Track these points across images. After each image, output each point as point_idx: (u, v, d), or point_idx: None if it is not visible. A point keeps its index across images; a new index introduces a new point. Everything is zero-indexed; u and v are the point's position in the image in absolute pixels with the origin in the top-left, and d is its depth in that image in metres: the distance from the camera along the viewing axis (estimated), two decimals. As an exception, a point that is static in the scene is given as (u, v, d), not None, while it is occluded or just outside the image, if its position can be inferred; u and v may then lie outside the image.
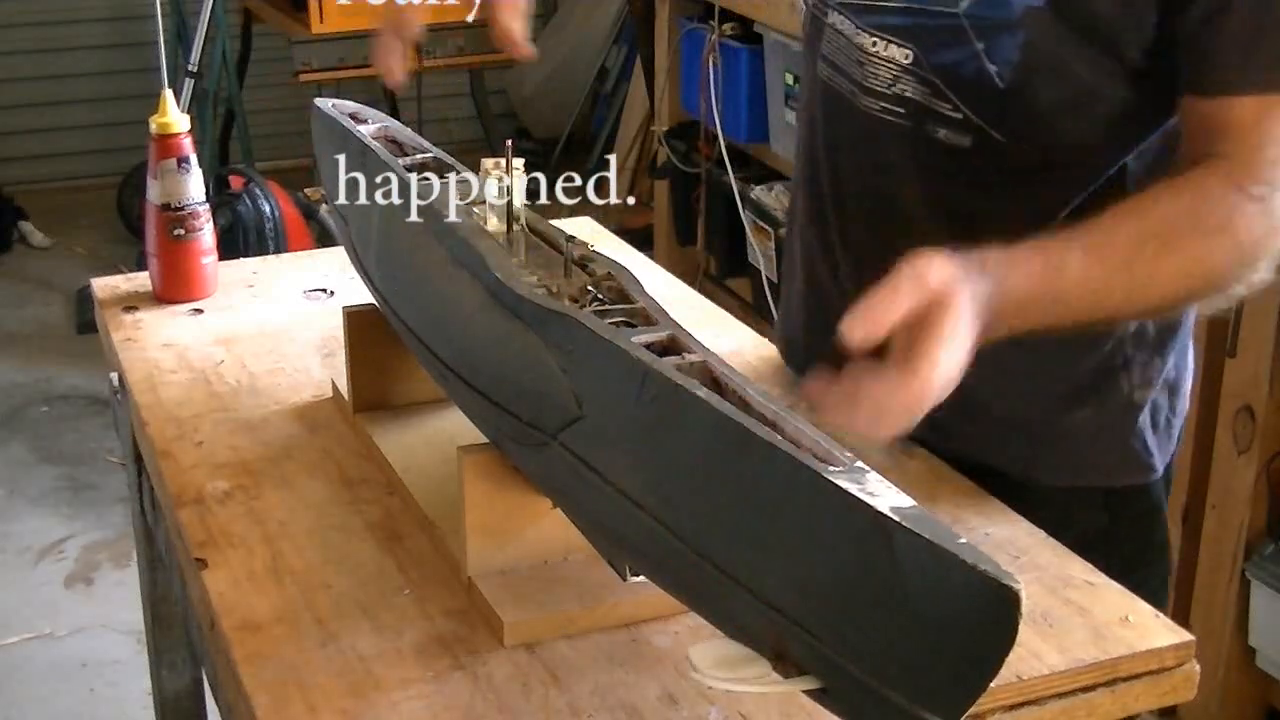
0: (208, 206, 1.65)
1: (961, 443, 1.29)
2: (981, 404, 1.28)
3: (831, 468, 0.77)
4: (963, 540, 0.71)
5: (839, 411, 0.95)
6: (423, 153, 1.38)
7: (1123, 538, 1.31)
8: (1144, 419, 1.30)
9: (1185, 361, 1.34)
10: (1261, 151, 1.10)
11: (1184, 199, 1.09)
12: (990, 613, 0.70)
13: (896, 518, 0.72)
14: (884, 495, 0.74)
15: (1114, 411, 1.29)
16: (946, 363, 0.95)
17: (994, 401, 1.27)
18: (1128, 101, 1.16)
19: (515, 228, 1.15)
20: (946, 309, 0.95)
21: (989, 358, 1.24)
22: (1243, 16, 1.09)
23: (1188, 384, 1.36)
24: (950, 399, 1.28)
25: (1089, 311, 1.08)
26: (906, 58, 1.21)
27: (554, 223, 1.23)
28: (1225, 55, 1.10)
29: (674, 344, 0.95)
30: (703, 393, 0.84)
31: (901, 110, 1.23)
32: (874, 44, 1.23)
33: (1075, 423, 1.29)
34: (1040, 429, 1.30)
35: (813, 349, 1.38)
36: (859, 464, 0.78)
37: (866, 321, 0.93)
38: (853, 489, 0.74)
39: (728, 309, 1.68)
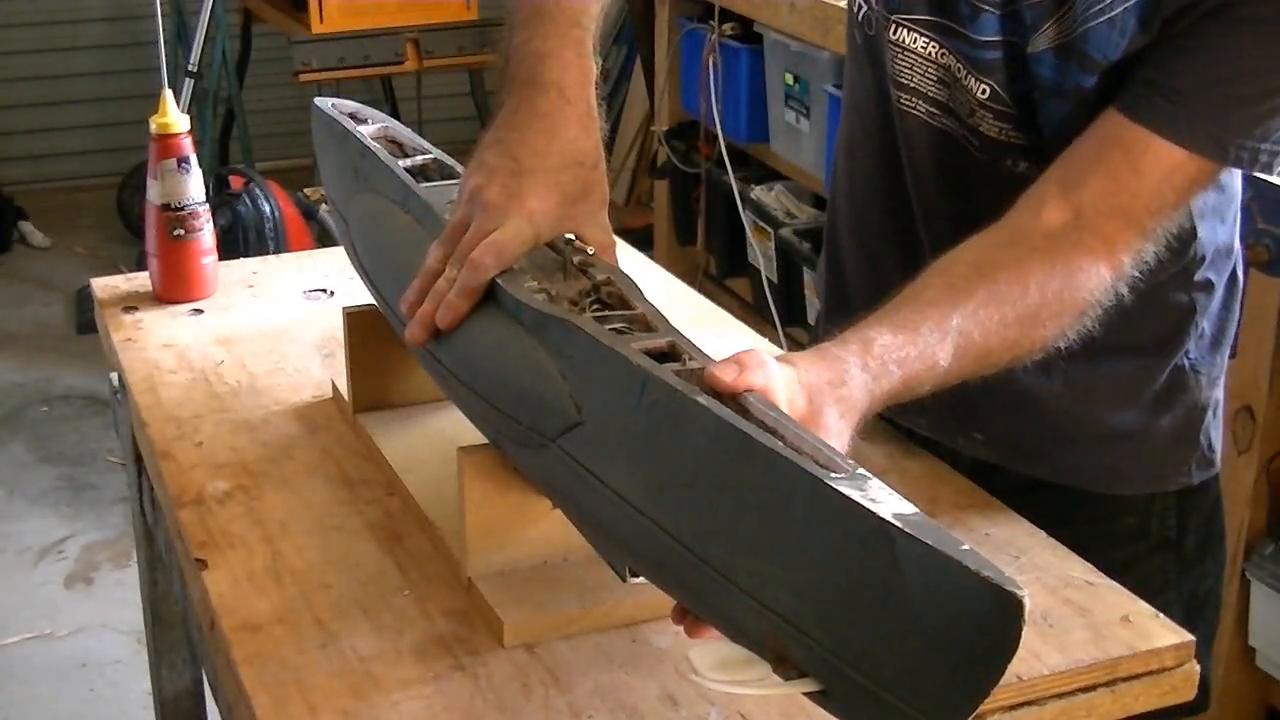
0: (208, 206, 1.65)
1: (1050, 467, 1.31)
2: (1068, 428, 1.30)
3: (833, 474, 0.77)
4: (965, 546, 0.71)
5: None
6: (423, 153, 1.38)
7: (1190, 534, 1.33)
8: (1209, 416, 1.32)
9: (1228, 357, 1.36)
10: (1150, 210, 1.09)
11: (1059, 275, 1.08)
12: (993, 619, 0.70)
13: (899, 524, 0.72)
14: (886, 502, 0.74)
15: (1188, 413, 1.30)
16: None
17: (1081, 422, 1.29)
18: None
19: (515, 229, 1.15)
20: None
21: (1069, 386, 1.27)
22: (1205, 65, 1.08)
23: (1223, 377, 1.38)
24: (1038, 427, 1.30)
25: (933, 388, 1.06)
26: (984, 92, 1.18)
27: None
28: (1188, 102, 1.08)
29: (673, 350, 0.95)
30: (703, 399, 0.84)
31: (977, 143, 1.21)
32: (964, 74, 1.19)
33: (1159, 430, 1.30)
34: (1125, 443, 1.30)
35: None
36: (860, 470, 0.78)
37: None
38: (855, 496, 0.74)
39: (728, 309, 1.68)
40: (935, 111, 1.22)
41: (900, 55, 1.22)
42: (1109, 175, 1.10)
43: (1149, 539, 1.32)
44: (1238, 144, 1.08)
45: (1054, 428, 1.30)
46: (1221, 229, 1.28)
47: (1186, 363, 1.29)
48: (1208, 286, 1.28)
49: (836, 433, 0.93)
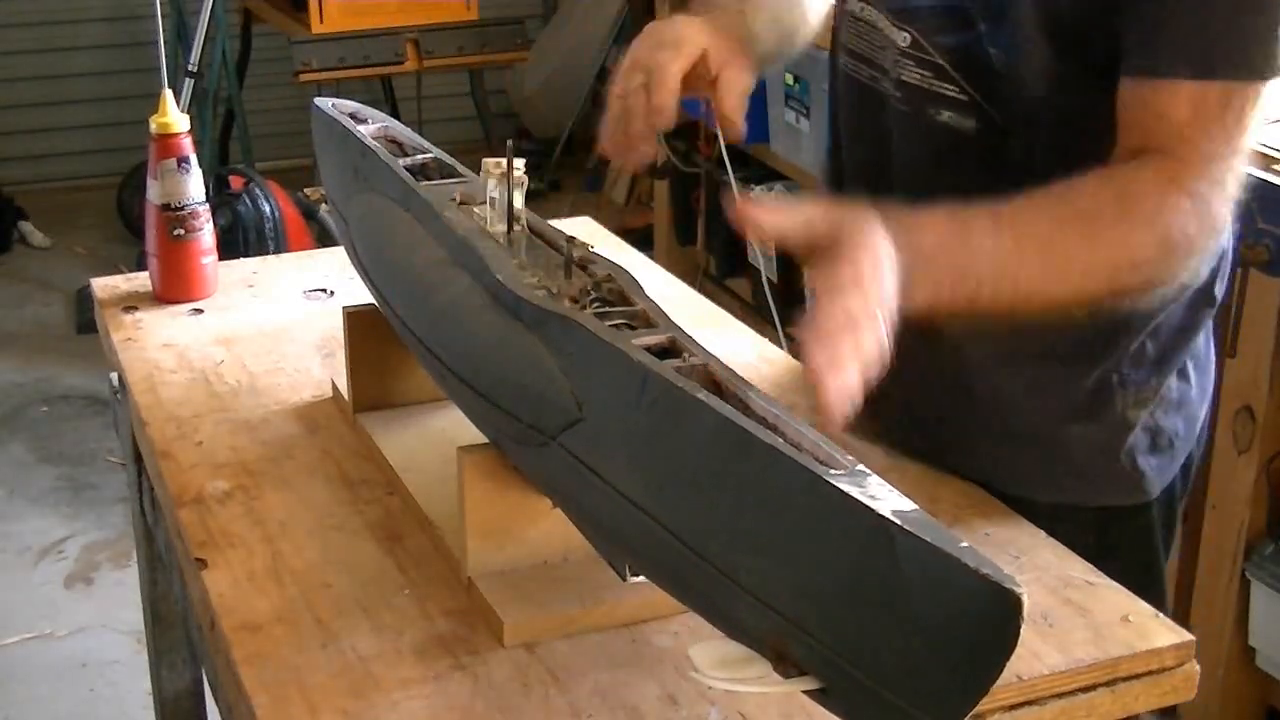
0: (208, 206, 1.65)
1: (959, 459, 1.29)
2: (982, 420, 1.28)
3: (833, 471, 0.77)
4: (965, 544, 0.71)
5: (824, 350, 0.88)
6: (423, 153, 1.38)
7: (1110, 557, 1.27)
8: (1136, 439, 1.27)
9: (1195, 382, 1.31)
10: (1197, 146, 1.07)
11: (1113, 186, 1.07)
12: (992, 617, 0.70)
13: (898, 521, 0.72)
14: (886, 499, 0.74)
15: (1107, 429, 1.27)
16: (880, 281, 0.94)
17: (994, 418, 1.27)
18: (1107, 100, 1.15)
19: (515, 228, 1.16)
20: (860, 239, 0.95)
21: (990, 375, 1.25)
22: (1181, 3, 1.07)
23: (1199, 406, 1.32)
24: (952, 414, 1.28)
25: (1004, 286, 1.04)
26: (905, 40, 1.21)
27: (554, 223, 1.23)
28: (1162, 38, 1.08)
29: (674, 346, 0.95)
30: (703, 395, 0.84)
31: (900, 95, 1.23)
32: (879, 18, 1.24)
33: (1071, 439, 1.27)
34: (1037, 446, 1.28)
35: None
36: (860, 467, 0.78)
37: (763, 214, 0.96)
38: (854, 492, 0.74)
39: (728, 309, 1.68)
40: (861, 65, 1.28)
41: (845, 22, 1.29)
42: (1142, 131, 1.09)
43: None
44: (1225, 53, 1.07)
45: (974, 423, 1.29)
46: None
47: (1115, 378, 1.25)
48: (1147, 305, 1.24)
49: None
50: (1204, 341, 1.32)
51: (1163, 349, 1.26)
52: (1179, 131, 1.08)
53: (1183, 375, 1.29)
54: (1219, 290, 1.30)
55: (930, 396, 1.29)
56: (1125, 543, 1.31)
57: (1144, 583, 1.27)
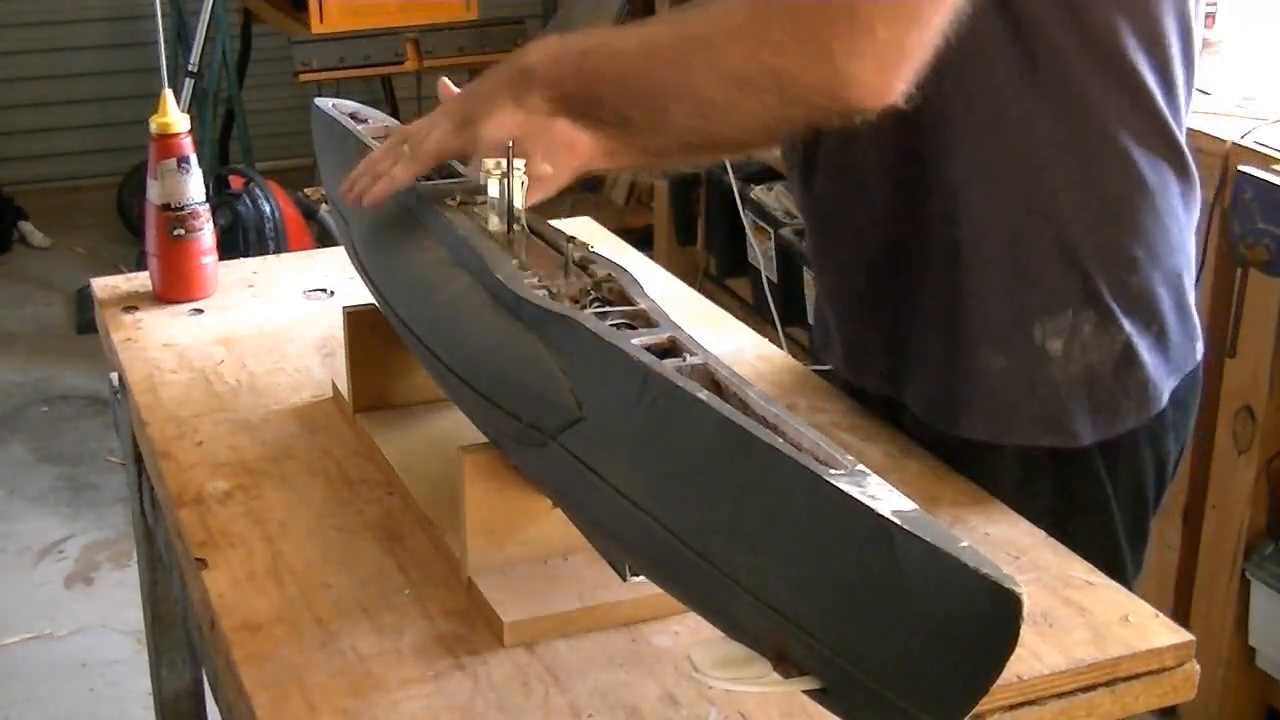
0: (208, 206, 1.65)
1: (876, 379, 1.31)
2: (901, 339, 1.29)
3: (832, 470, 0.77)
4: (964, 544, 0.71)
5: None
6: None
7: (1040, 494, 1.27)
8: (1059, 373, 1.24)
9: (1155, 348, 1.27)
10: None
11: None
12: (991, 616, 0.70)
13: (898, 521, 0.72)
14: (885, 498, 0.74)
15: (1024, 359, 1.24)
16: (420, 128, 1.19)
17: (913, 338, 1.28)
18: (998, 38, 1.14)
19: (515, 228, 1.15)
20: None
21: (911, 298, 1.26)
22: None
23: (1152, 365, 1.27)
24: (870, 336, 1.32)
25: (647, 75, 1.09)
26: None
27: (554, 223, 1.23)
28: None
29: (674, 346, 0.95)
30: (703, 395, 0.84)
31: None
32: None
33: (986, 365, 1.25)
34: (953, 371, 1.26)
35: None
36: (860, 467, 0.78)
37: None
38: (854, 492, 0.74)
39: (728, 309, 1.68)
40: None
41: None
42: None
43: (992, 491, 1.27)
44: None
45: (885, 339, 1.29)
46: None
47: (1040, 308, 1.23)
48: (1070, 250, 1.22)
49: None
50: (1167, 303, 1.27)
51: (1088, 281, 1.23)
52: None
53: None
54: (1179, 235, 1.26)
55: (880, 324, 1.31)
56: (1051, 489, 1.29)
57: (1083, 513, 1.26)
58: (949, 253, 1.23)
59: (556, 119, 1.13)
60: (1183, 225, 1.29)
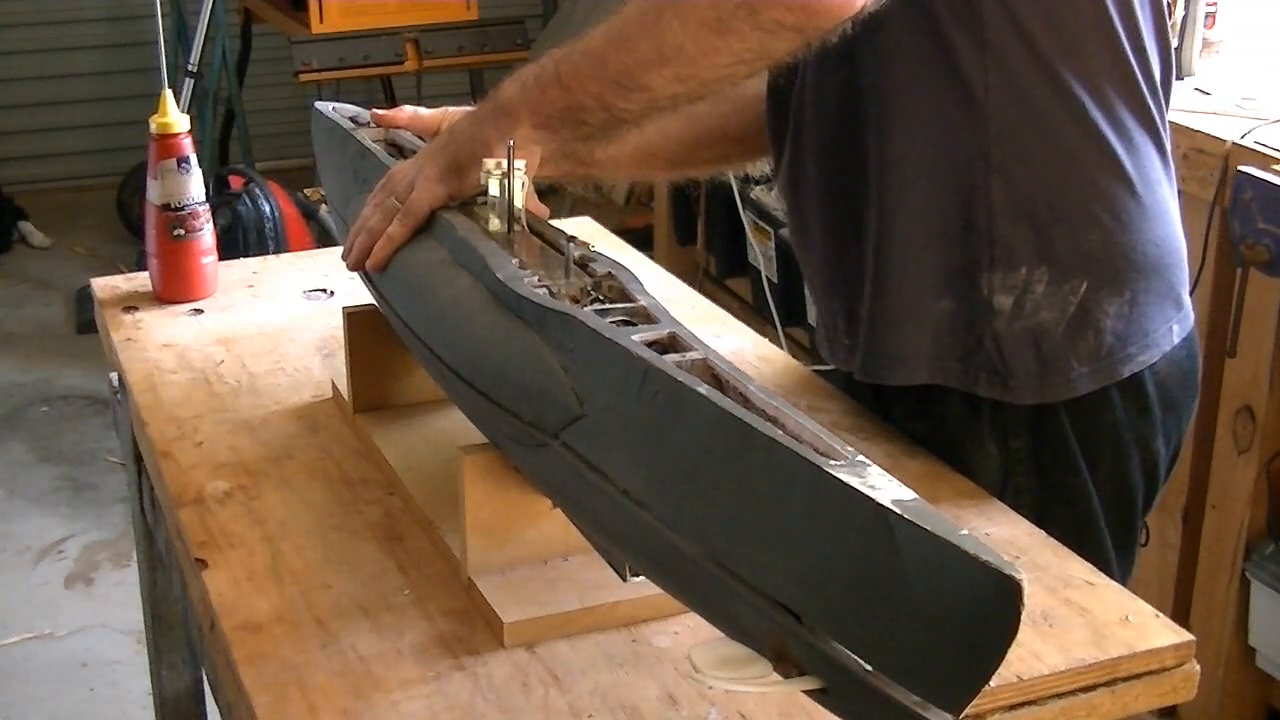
0: (208, 206, 1.65)
1: (844, 352, 1.33)
2: (854, 297, 1.30)
3: (833, 462, 0.77)
4: (964, 532, 0.71)
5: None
6: (422, 153, 1.38)
7: (994, 443, 1.28)
8: (1005, 327, 1.24)
9: (1116, 305, 1.25)
10: None
11: None
12: (992, 604, 0.70)
13: (898, 510, 0.72)
14: (885, 488, 0.74)
15: (970, 305, 1.24)
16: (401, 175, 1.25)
17: (864, 293, 1.28)
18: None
19: (515, 228, 1.16)
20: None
21: (862, 259, 1.28)
22: None
23: (1112, 331, 1.26)
24: (836, 304, 1.33)
25: (621, 55, 1.12)
26: None
27: (554, 223, 1.23)
28: None
29: (674, 342, 0.96)
30: (703, 389, 0.85)
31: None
32: None
33: (936, 313, 1.25)
34: (906, 316, 1.26)
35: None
36: (860, 458, 0.78)
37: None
38: (854, 482, 0.74)
39: (728, 309, 1.68)
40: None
41: None
42: None
43: (941, 437, 1.29)
44: None
45: (871, 311, 1.29)
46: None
47: (989, 258, 1.23)
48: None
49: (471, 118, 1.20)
50: (1139, 272, 1.26)
51: (1041, 236, 1.23)
52: None
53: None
54: (1153, 229, 1.26)
55: (840, 287, 1.32)
56: (992, 438, 1.29)
57: (1081, 545, 1.23)
58: (897, 202, 1.24)
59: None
60: (1159, 197, 1.28)
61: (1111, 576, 1.19)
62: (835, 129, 1.28)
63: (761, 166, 1.54)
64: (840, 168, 1.28)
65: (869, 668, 0.74)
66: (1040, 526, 1.21)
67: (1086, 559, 1.17)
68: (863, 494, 0.73)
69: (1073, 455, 1.28)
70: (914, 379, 1.28)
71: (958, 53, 1.20)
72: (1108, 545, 1.32)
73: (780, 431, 0.80)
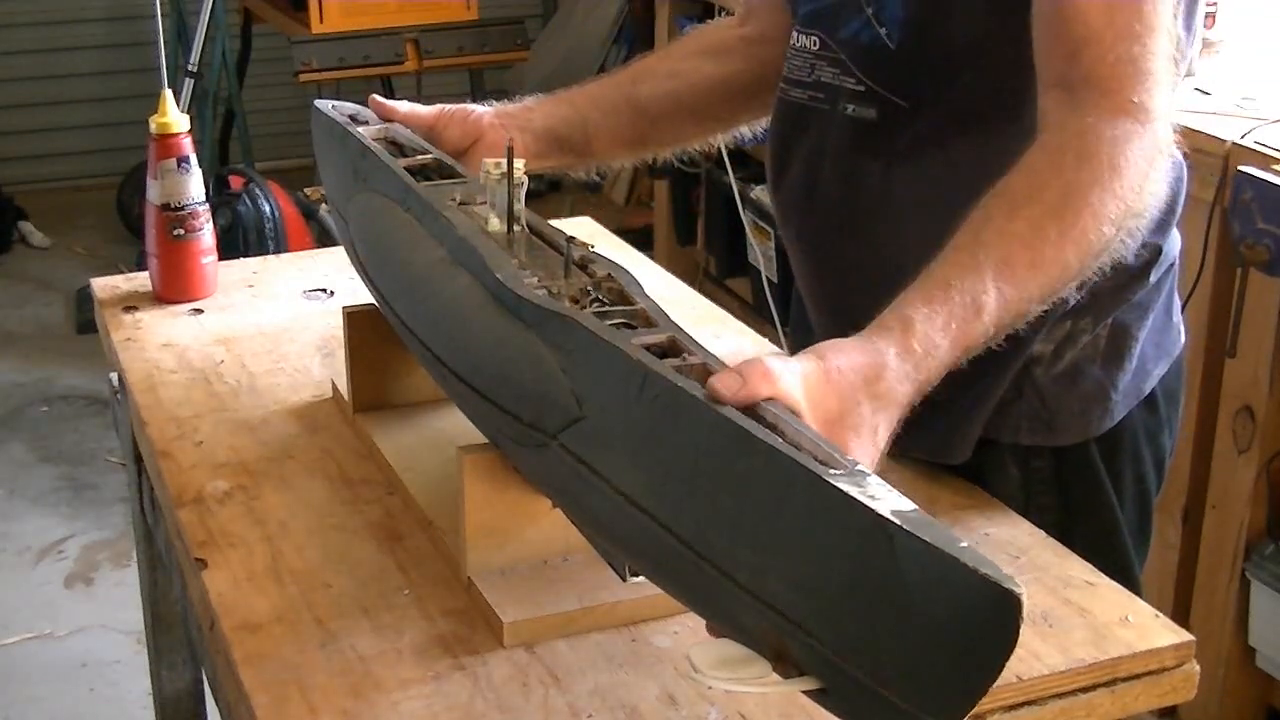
0: (208, 206, 1.65)
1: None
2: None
3: (832, 470, 0.77)
4: (964, 544, 0.71)
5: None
6: (422, 154, 1.38)
7: (1044, 506, 1.26)
8: (1043, 372, 1.23)
9: (1142, 334, 1.26)
10: (1119, 61, 1.04)
11: (1068, 154, 1.03)
12: (991, 616, 0.70)
13: (897, 521, 0.72)
14: (885, 498, 0.74)
15: (1009, 363, 1.21)
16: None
17: None
18: (1018, 49, 1.13)
19: (515, 228, 1.16)
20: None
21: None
22: None
23: (1144, 345, 1.26)
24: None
25: (1013, 325, 1.01)
26: (814, 44, 1.27)
27: (554, 223, 1.23)
28: None
29: (674, 346, 0.96)
30: (702, 394, 0.84)
31: (821, 95, 1.27)
32: (795, 38, 1.30)
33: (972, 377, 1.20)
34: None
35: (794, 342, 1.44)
36: (860, 467, 0.78)
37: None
38: (853, 492, 0.74)
39: (728, 309, 1.68)
40: (791, 88, 1.31)
41: (787, 55, 1.33)
42: (1057, 40, 1.08)
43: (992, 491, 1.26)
44: None
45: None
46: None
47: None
48: None
49: (869, 431, 0.89)
50: (1162, 286, 1.27)
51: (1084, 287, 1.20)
52: (1096, 44, 1.05)
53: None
54: (1167, 245, 1.26)
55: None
56: (1013, 460, 1.27)
57: (1106, 553, 1.22)
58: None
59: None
60: (1175, 209, 1.28)
61: (1135, 580, 1.19)
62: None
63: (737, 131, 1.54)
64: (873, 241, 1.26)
65: (865, 678, 0.74)
66: (1063, 542, 1.18)
67: (1111, 567, 1.16)
68: (862, 504, 0.73)
69: (1095, 469, 1.27)
70: (952, 439, 1.23)
71: (1024, 106, 1.14)
72: (1130, 549, 1.31)
73: (779, 439, 0.80)
